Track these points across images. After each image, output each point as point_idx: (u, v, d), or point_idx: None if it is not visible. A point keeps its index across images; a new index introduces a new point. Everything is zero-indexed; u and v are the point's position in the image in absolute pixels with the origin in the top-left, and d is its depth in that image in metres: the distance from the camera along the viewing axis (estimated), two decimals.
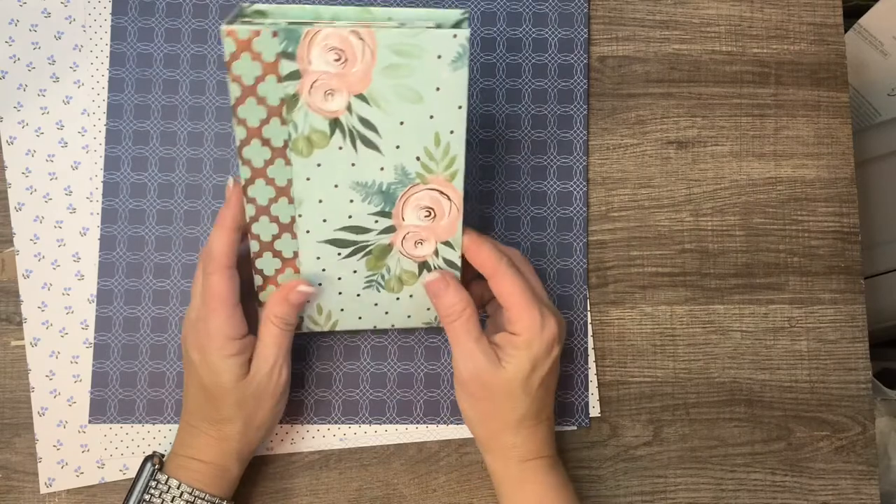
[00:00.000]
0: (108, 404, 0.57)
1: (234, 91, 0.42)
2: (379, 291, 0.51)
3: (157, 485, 0.49)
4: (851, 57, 0.73)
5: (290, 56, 0.41)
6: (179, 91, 0.59)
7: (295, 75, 0.42)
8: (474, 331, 0.49)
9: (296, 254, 0.49)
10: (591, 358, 0.59)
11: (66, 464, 0.56)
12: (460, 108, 0.44)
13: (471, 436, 0.58)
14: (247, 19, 0.42)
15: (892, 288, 0.85)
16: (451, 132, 0.45)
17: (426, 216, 0.48)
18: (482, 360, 0.49)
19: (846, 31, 0.91)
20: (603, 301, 0.60)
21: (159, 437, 0.57)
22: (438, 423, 0.58)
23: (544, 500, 0.50)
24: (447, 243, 0.49)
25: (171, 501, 0.49)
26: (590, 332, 0.59)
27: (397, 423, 0.58)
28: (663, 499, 0.58)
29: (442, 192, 0.47)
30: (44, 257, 0.58)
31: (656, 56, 0.62)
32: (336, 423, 0.57)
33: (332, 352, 0.58)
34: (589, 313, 0.59)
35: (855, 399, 0.60)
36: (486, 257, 0.49)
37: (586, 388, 0.59)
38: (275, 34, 0.41)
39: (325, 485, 0.57)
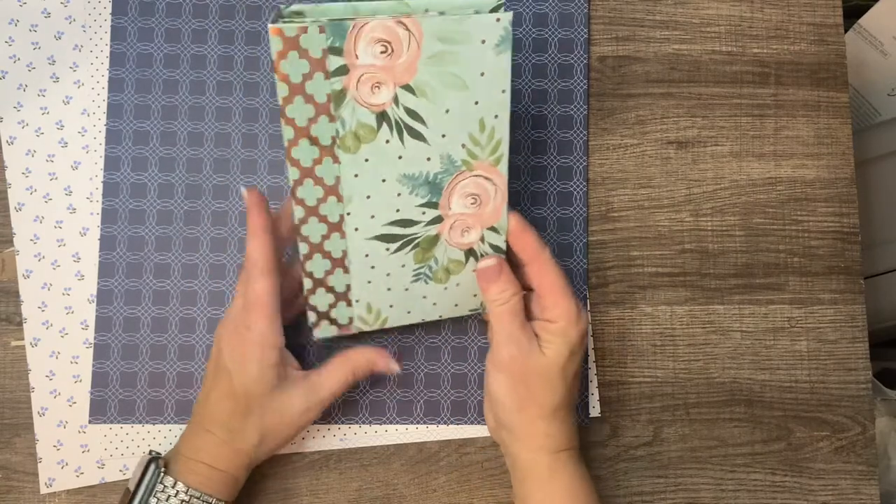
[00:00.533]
0: (108, 404, 0.57)
1: (282, 90, 0.42)
2: (427, 283, 0.52)
3: (164, 489, 0.49)
4: (851, 57, 0.73)
5: (337, 51, 0.41)
6: (179, 91, 0.59)
7: (342, 70, 0.42)
8: (520, 315, 0.50)
9: (344, 253, 0.49)
10: (591, 358, 0.59)
11: (66, 464, 0.56)
12: (504, 91, 0.44)
13: (471, 436, 0.58)
14: (286, 20, 0.42)
15: (892, 288, 0.85)
16: (496, 117, 0.45)
17: (472, 203, 0.48)
18: (526, 345, 0.49)
19: (846, 31, 0.91)
20: (603, 301, 0.60)
21: (159, 437, 0.57)
22: (438, 423, 0.58)
23: (573, 491, 0.50)
24: (492, 228, 0.50)
25: None
26: (590, 333, 0.59)
27: (397, 423, 0.58)
28: (663, 499, 0.58)
29: (487, 178, 0.48)
30: (44, 257, 0.58)
31: (656, 56, 0.62)
32: (336, 423, 0.57)
33: (332, 353, 0.58)
34: (589, 313, 0.59)
35: (855, 399, 0.60)
36: (529, 242, 0.50)
37: (586, 389, 0.59)
38: (321, 29, 0.41)
39: (325, 485, 0.57)
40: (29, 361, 0.57)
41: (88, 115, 0.59)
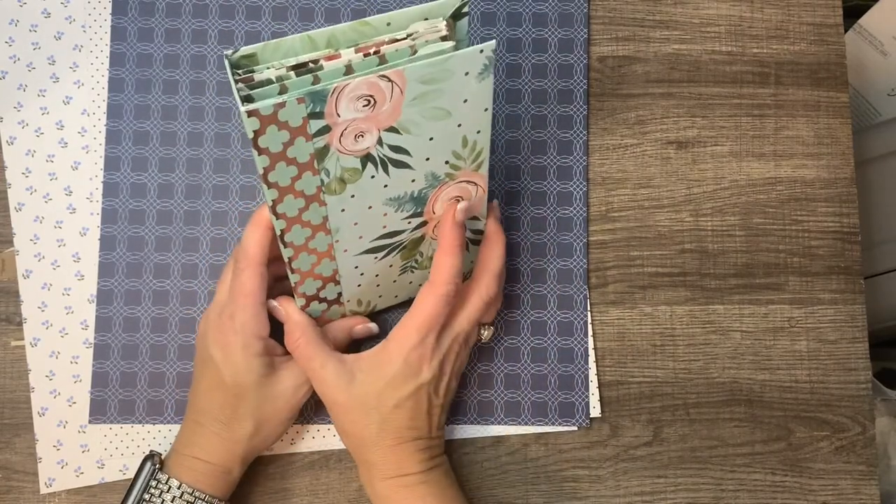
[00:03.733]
0: (108, 404, 0.57)
1: (262, 162, 0.40)
2: (413, 272, 0.53)
3: (157, 484, 0.49)
4: (851, 57, 0.73)
5: (318, 115, 0.39)
6: (179, 91, 0.59)
7: (324, 130, 0.40)
8: (322, 342, 0.51)
9: (335, 271, 0.49)
10: (592, 358, 0.59)
11: (66, 464, 0.56)
12: (486, 110, 0.44)
13: (471, 436, 0.58)
14: (242, 73, 0.40)
15: (892, 288, 0.85)
16: (478, 132, 0.45)
17: (455, 202, 0.49)
18: (333, 375, 0.49)
19: (846, 31, 0.91)
20: (603, 301, 0.60)
21: (159, 437, 0.57)
22: None
23: None
24: (474, 217, 0.51)
25: (171, 501, 0.49)
26: (590, 333, 0.59)
27: None
28: (663, 499, 0.58)
29: (469, 181, 0.48)
30: (44, 257, 0.58)
31: (656, 56, 0.62)
32: None
33: None
34: (589, 313, 0.59)
35: (855, 399, 0.60)
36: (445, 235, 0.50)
37: (586, 388, 0.59)
38: (300, 100, 0.38)
39: (325, 485, 0.57)
40: (29, 361, 0.57)
41: (88, 115, 0.59)
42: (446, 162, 0.46)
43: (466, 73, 0.41)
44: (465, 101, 0.43)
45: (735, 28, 0.63)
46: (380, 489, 0.50)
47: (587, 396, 0.59)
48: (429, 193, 0.47)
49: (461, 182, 0.48)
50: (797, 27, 0.63)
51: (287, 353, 0.52)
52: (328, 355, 0.50)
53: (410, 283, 0.54)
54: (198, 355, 0.52)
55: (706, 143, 0.62)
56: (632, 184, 0.61)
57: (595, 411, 0.59)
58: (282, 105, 0.38)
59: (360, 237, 0.48)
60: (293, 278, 0.49)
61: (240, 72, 0.40)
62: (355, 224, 0.47)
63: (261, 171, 0.41)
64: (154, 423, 0.57)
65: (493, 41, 0.40)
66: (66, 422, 0.56)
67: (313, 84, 0.40)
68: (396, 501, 0.50)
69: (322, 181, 0.43)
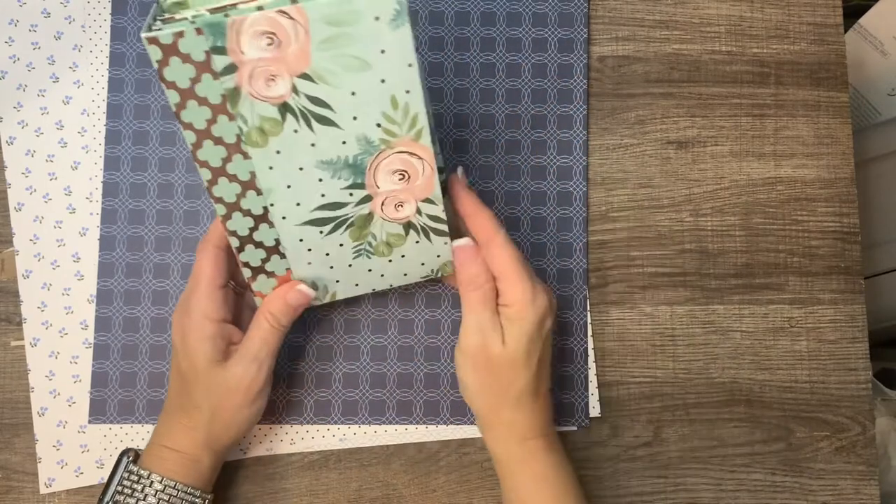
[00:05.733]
0: (107, 404, 0.57)
1: (172, 97, 0.41)
2: (369, 258, 0.51)
3: (129, 476, 0.49)
4: (851, 57, 0.73)
5: (220, 50, 0.40)
6: None
7: (230, 69, 0.41)
8: (491, 303, 0.49)
9: (277, 241, 0.49)
10: (591, 358, 0.59)
11: (66, 464, 0.56)
12: (410, 66, 0.42)
13: (471, 436, 0.58)
14: (167, 15, 0.41)
15: (892, 288, 0.85)
16: (407, 92, 0.43)
17: (400, 179, 0.47)
18: (490, 334, 0.49)
19: (846, 31, 0.91)
20: (603, 301, 0.60)
21: None
22: (438, 423, 0.58)
23: (545, 479, 0.50)
24: (428, 200, 0.48)
25: (144, 491, 0.49)
26: (590, 333, 0.59)
27: (397, 423, 0.58)
28: (663, 499, 0.58)
29: (412, 153, 0.46)
30: (44, 257, 0.58)
31: (656, 56, 0.62)
32: (336, 423, 0.57)
33: (331, 352, 0.58)
34: (589, 313, 0.59)
35: (855, 399, 0.60)
36: (484, 222, 0.49)
37: (586, 389, 0.59)
38: (199, 31, 0.39)
39: (325, 485, 0.57)
40: (29, 361, 0.57)
41: (88, 115, 0.59)
42: (378, 125, 0.44)
43: (377, 18, 0.40)
44: (383, 51, 0.41)
45: (735, 28, 0.63)
46: (517, 453, 0.50)
47: (587, 396, 0.59)
48: (365, 161, 0.46)
49: (402, 153, 0.46)
50: (797, 27, 0.63)
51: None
52: (496, 311, 0.50)
53: (370, 270, 0.51)
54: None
55: (706, 143, 0.62)
56: (632, 184, 0.61)
57: (595, 411, 0.59)
58: (180, 34, 0.39)
59: (298, 204, 0.47)
60: (233, 243, 0.48)
61: (164, 14, 0.41)
62: (288, 187, 0.46)
63: (173, 109, 0.41)
64: (154, 424, 0.57)
65: None
66: (66, 422, 0.56)
67: None
68: (536, 462, 0.50)
69: (240, 129, 0.43)
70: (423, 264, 0.52)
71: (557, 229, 0.60)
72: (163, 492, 0.49)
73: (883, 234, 0.86)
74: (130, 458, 0.51)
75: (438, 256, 0.51)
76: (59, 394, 0.57)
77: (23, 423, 0.57)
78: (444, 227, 0.50)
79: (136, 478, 0.49)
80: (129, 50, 0.60)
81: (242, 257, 0.49)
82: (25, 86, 0.59)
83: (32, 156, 0.59)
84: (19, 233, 0.58)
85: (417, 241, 0.50)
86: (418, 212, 0.49)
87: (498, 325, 0.49)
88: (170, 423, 0.51)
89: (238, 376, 0.49)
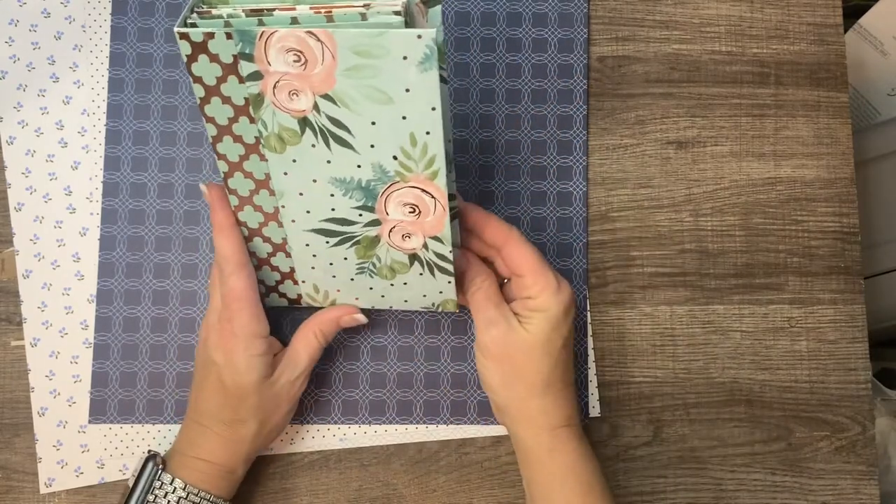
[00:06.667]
0: (107, 404, 0.57)
1: (198, 91, 0.42)
2: (372, 277, 0.51)
3: (161, 485, 0.49)
4: (851, 57, 0.73)
5: (247, 57, 0.40)
6: (179, 91, 0.59)
7: (256, 76, 0.41)
8: (495, 297, 0.50)
9: (284, 240, 0.50)
10: (591, 358, 0.59)
11: (66, 464, 0.56)
12: (434, 109, 0.42)
13: (471, 436, 0.58)
14: (205, 8, 0.41)
15: (892, 288, 0.85)
16: (427, 133, 0.43)
17: (410, 212, 0.47)
18: (503, 324, 0.50)
19: (846, 31, 0.91)
20: (603, 301, 0.60)
21: (159, 437, 0.57)
22: (438, 423, 0.58)
23: (575, 468, 0.50)
24: (436, 238, 0.48)
25: (167, 498, 0.49)
26: (590, 333, 0.59)
27: (397, 423, 0.58)
28: (663, 499, 0.58)
29: (424, 191, 0.46)
30: (44, 257, 0.58)
31: (656, 56, 0.62)
32: (336, 423, 0.57)
33: (331, 352, 0.58)
34: (589, 313, 0.59)
35: (855, 399, 0.60)
36: (495, 229, 0.50)
37: (586, 388, 0.59)
38: (229, 36, 0.39)
39: (325, 485, 0.57)
40: (29, 361, 0.57)
41: (88, 115, 0.59)
42: (394, 158, 0.44)
43: (405, 58, 0.40)
44: (407, 90, 0.41)
45: (735, 28, 0.63)
46: (547, 441, 0.50)
47: (586, 396, 0.59)
48: (378, 187, 0.46)
49: (414, 188, 0.46)
50: (797, 27, 0.63)
51: (283, 348, 0.53)
52: (501, 302, 0.51)
53: (371, 288, 0.52)
54: (199, 359, 0.52)
55: (706, 143, 0.62)
56: (632, 184, 0.61)
57: (595, 411, 0.59)
58: (211, 35, 0.39)
59: (308, 212, 0.47)
60: (241, 231, 0.50)
61: (204, 6, 0.41)
62: (301, 194, 0.46)
63: (198, 101, 0.43)
64: (154, 423, 0.57)
65: (434, 30, 0.39)
66: (66, 422, 0.56)
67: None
68: (566, 452, 0.50)
69: (260, 132, 0.44)
70: (424, 296, 0.53)
71: (557, 229, 0.60)
72: (186, 499, 0.49)
73: (883, 234, 0.86)
74: (161, 468, 0.50)
75: (441, 293, 0.52)
76: (59, 394, 0.57)
77: (23, 422, 0.57)
78: (450, 268, 0.50)
79: (170, 488, 0.49)
80: (129, 50, 0.60)
81: (250, 247, 0.50)
82: (25, 86, 0.59)
83: (32, 156, 0.59)
84: (19, 233, 0.58)
85: (421, 274, 0.51)
86: (425, 247, 0.49)
87: (509, 315, 0.50)
88: (207, 435, 0.51)
89: (286, 389, 0.51)
